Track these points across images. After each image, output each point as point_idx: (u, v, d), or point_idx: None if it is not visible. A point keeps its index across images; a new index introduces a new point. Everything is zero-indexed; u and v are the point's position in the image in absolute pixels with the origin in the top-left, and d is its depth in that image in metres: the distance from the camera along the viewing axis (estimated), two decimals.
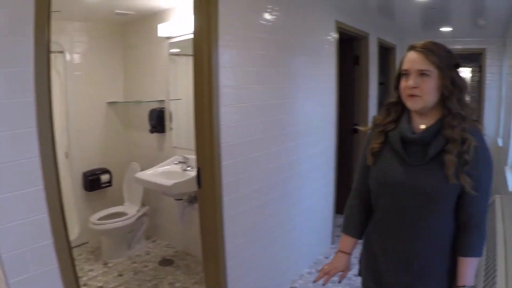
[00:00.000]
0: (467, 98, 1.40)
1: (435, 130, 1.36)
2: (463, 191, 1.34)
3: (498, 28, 4.88)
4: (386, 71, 5.79)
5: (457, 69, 1.38)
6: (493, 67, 5.82)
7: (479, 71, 6.13)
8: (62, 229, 1.65)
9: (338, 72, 3.77)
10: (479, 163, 1.33)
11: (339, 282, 1.68)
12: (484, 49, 5.86)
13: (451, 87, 1.33)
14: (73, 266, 1.72)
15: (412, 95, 1.36)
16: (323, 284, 1.62)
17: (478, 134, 1.36)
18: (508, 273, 2.17)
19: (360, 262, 1.69)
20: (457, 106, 1.33)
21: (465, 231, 1.39)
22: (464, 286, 1.35)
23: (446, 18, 4.48)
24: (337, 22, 3.68)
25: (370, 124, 1.61)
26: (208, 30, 2.18)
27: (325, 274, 1.60)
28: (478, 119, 6.04)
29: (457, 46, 5.91)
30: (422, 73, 1.33)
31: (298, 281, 3.27)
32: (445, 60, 1.34)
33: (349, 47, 4.51)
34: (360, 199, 1.64)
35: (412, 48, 1.39)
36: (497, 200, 3.70)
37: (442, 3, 3.58)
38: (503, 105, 5.19)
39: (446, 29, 5.13)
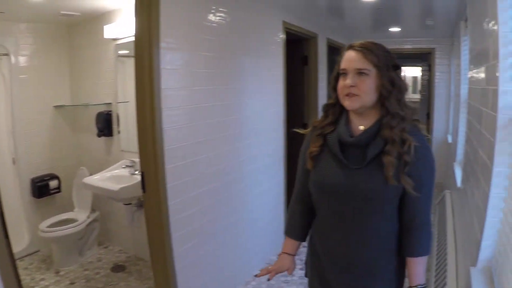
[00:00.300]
0: (407, 99, 1.39)
1: (374, 132, 1.35)
2: (405, 192, 1.32)
3: (446, 28, 5.04)
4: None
5: (396, 70, 1.36)
6: (442, 66, 6.01)
7: (428, 70, 6.33)
8: (2, 240, 1.58)
9: (286, 73, 3.79)
10: (420, 163, 1.31)
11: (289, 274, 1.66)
12: (433, 48, 6.05)
13: (390, 87, 1.31)
14: (17, 277, 1.65)
15: (350, 94, 1.33)
16: (268, 280, 1.61)
17: (418, 134, 1.35)
18: (458, 266, 2.24)
19: (306, 263, 1.68)
20: (396, 106, 1.32)
21: (410, 231, 1.39)
22: (417, 286, 1.35)
23: (395, 19, 4.59)
24: (285, 23, 3.71)
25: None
26: (149, 32, 2.15)
27: (268, 272, 1.58)
28: (429, 118, 6.22)
29: (406, 46, 6.09)
30: (360, 72, 1.32)
31: (251, 282, 3.28)
32: (383, 59, 1.32)
33: (298, 48, 4.56)
34: (301, 203, 1.62)
35: (350, 47, 1.37)
36: (447, 196, 3.82)
37: (389, 4, 3.65)
38: (452, 103, 5.37)
39: (395, 29, 5.26)
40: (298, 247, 1.65)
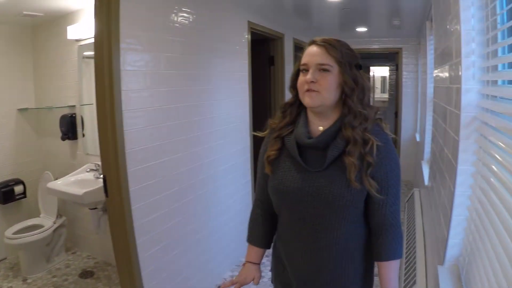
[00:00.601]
0: (376, 98, 1.35)
1: (334, 132, 1.28)
2: (369, 195, 1.27)
3: (412, 28, 5.10)
4: None
5: (360, 70, 1.31)
6: (409, 65, 6.11)
7: (396, 70, 6.41)
8: None
9: (252, 73, 3.77)
10: (384, 163, 1.26)
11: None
12: (400, 48, 6.13)
13: (353, 85, 1.25)
14: None
15: (310, 90, 1.26)
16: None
17: (382, 133, 1.29)
18: (427, 265, 2.24)
19: (272, 270, 1.60)
20: (359, 105, 1.26)
21: (379, 234, 1.33)
22: None
23: (361, 19, 4.61)
24: (250, 23, 3.68)
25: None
26: (109, 32, 2.07)
27: (232, 284, 1.46)
28: (397, 117, 6.30)
29: (374, 46, 6.16)
30: (322, 68, 1.25)
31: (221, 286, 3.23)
32: (346, 57, 1.26)
33: (264, 48, 4.56)
34: (262, 209, 1.54)
35: (312, 42, 1.31)
36: (416, 194, 3.86)
37: (355, 4, 3.66)
38: (419, 102, 5.45)
39: (362, 29, 5.29)
40: (262, 255, 1.56)
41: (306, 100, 1.28)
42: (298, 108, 1.38)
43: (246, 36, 3.64)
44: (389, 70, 8.10)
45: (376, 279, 1.42)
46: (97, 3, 2.08)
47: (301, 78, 1.30)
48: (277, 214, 1.46)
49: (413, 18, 4.36)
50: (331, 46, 1.26)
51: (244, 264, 1.55)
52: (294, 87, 1.36)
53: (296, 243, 1.38)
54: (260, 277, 1.53)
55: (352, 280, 1.37)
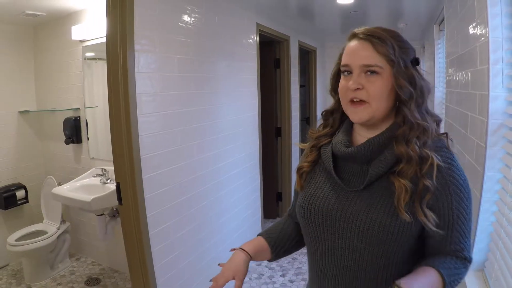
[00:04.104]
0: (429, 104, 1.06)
1: (381, 143, 1.01)
2: (425, 231, 0.97)
3: (417, 31, 5.11)
4: (307, 74, 5.94)
5: (415, 66, 1.02)
6: None
7: None
8: None
9: (260, 76, 3.75)
10: (448, 190, 0.95)
11: None
12: None
13: (409, 88, 0.98)
14: None
15: (355, 101, 1.00)
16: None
17: (446, 152, 0.98)
18: None
19: None
20: (416, 115, 0.98)
21: (441, 256, 0.99)
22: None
23: (366, 22, 4.59)
24: (258, 25, 3.67)
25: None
26: (123, 33, 2.02)
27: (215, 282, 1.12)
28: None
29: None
30: (368, 70, 0.98)
31: None
32: (399, 52, 0.98)
33: (270, 50, 4.55)
34: (290, 218, 1.32)
35: (354, 35, 1.02)
36: None
37: (362, 7, 3.65)
38: None
39: None
40: (260, 250, 1.21)
41: (351, 115, 1.03)
42: (341, 115, 1.14)
43: (255, 38, 3.62)
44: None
45: None
46: (110, 2, 2.04)
47: (343, 82, 1.03)
48: (306, 245, 1.19)
49: (418, 21, 4.37)
50: (379, 40, 0.97)
51: (233, 250, 1.20)
52: (335, 90, 1.09)
53: (323, 282, 1.09)
54: (245, 274, 1.13)
55: None
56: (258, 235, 1.27)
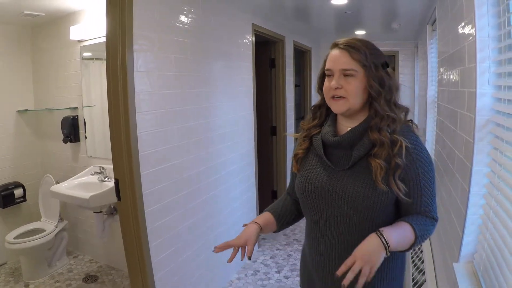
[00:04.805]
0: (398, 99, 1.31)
1: (360, 132, 1.26)
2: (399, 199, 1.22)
3: (410, 31, 5.17)
4: (302, 74, 5.99)
5: (386, 68, 1.27)
6: (406, 68, 6.22)
7: (393, 72, 6.53)
8: None
9: (255, 75, 3.80)
10: (415, 165, 1.21)
11: (242, 260, 1.39)
12: (397, 51, 6.24)
13: (378, 87, 1.23)
14: None
15: (335, 97, 1.26)
16: (214, 250, 1.36)
17: (411, 135, 1.25)
18: (435, 263, 2.30)
19: (300, 276, 1.59)
20: (385, 108, 1.23)
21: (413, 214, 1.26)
22: (382, 235, 1.12)
23: (360, 22, 4.68)
24: (254, 25, 3.72)
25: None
26: (122, 33, 2.07)
27: (228, 246, 1.36)
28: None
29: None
30: (346, 73, 1.23)
31: None
32: (371, 58, 1.23)
33: (266, 50, 4.60)
34: (289, 196, 1.57)
35: (335, 45, 1.28)
36: None
37: (356, 8, 3.71)
38: (417, 104, 5.54)
39: (360, 32, 5.36)
40: (269, 222, 1.47)
41: (333, 107, 1.29)
42: (327, 109, 1.38)
43: (250, 38, 3.68)
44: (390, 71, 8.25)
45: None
46: (109, 2, 2.08)
47: (326, 83, 1.29)
48: (304, 216, 1.46)
49: (411, 21, 4.43)
50: (354, 49, 1.23)
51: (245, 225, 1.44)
52: (321, 89, 1.34)
53: (320, 246, 1.35)
54: (255, 242, 1.37)
55: (378, 284, 1.30)
56: (264, 211, 1.53)
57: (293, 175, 1.49)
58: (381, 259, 1.09)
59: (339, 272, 1.09)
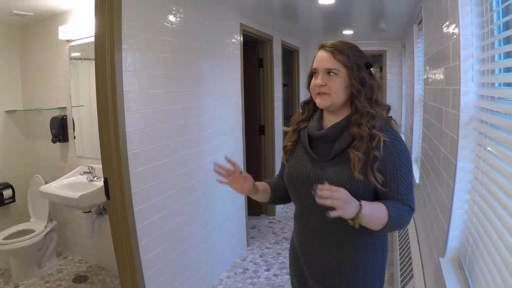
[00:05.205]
0: (380, 97, 1.42)
1: (341, 127, 1.38)
2: (378, 189, 1.33)
3: (398, 30, 5.22)
4: (290, 73, 6.01)
5: (368, 69, 1.40)
6: (393, 67, 6.28)
7: (380, 72, 6.58)
8: None
9: (243, 75, 3.82)
10: (392, 158, 1.31)
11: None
12: (385, 51, 6.30)
13: (359, 86, 1.34)
14: None
15: (320, 93, 1.38)
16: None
17: (390, 131, 1.36)
18: (422, 259, 2.33)
19: (289, 261, 1.71)
20: (365, 105, 1.34)
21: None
22: (361, 205, 1.22)
23: (348, 22, 4.72)
24: (242, 25, 3.74)
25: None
26: (111, 33, 2.08)
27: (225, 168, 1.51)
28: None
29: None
30: (330, 72, 1.35)
31: (218, 286, 3.26)
32: (354, 59, 1.35)
33: (254, 50, 4.63)
34: (279, 178, 1.67)
35: (322, 47, 1.41)
36: None
37: (343, 7, 3.74)
38: (404, 102, 5.59)
39: (348, 32, 5.40)
40: (264, 188, 1.60)
41: (318, 102, 1.42)
42: (314, 105, 1.50)
43: (239, 38, 3.69)
44: (374, 72, 8.31)
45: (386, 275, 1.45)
46: (98, 2, 2.08)
47: (313, 81, 1.42)
48: (293, 202, 1.59)
49: (398, 21, 4.48)
50: (338, 50, 1.35)
51: None
52: (309, 87, 1.47)
53: (306, 231, 1.49)
54: (249, 186, 1.49)
55: (361, 271, 1.41)
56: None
57: (283, 165, 1.62)
58: (349, 213, 1.20)
59: (320, 187, 1.18)
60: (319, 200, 1.16)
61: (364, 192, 1.33)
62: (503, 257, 1.17)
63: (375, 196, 1.37)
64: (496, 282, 1.19)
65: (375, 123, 1.34)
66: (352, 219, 1.23)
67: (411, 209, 1.35)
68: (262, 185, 1.60)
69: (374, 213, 1.26)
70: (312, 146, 1.45)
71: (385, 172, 1.31)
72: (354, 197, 1.25)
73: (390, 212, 1.27)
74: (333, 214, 1.15)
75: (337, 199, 1.16)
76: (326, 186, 1.18)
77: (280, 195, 1.63)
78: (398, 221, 1.30)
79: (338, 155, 1.37)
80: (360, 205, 1.22)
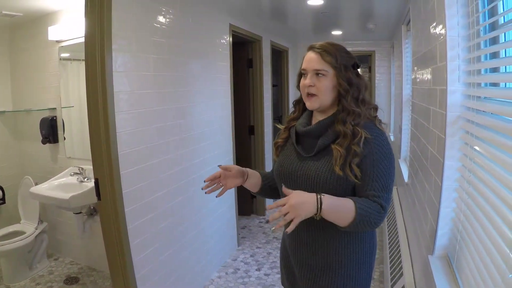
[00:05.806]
0: (367, 96, 1.46)
1: (326, 124, 1.42)
2: (357, 185, 1.34)
3: (386, 31, 5.25)
4: (279, 74, 6.04)
5: (356, 69, 1.44)
6: (382, 67, 6.33)
7: (368, 72, 6.63)
8: None
9: (233, 75, 3.84)
10: (372, 154, 1.33)
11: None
12: (373, 51, 6.34)
13: (346, 86, 1.38)
14: None
15: (309, 95, 1.43)
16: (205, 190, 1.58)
17: (374, 129, 1.39)
18: (412, 257, 2.36)
19: (280, 256, 1.75)
20: (352, 104, 1.38)
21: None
22: (320, 197, 1.23)
23: (337, 22, 4.74)
24: (231, 26, 3.76)
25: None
26: (101, 33, 2.08)
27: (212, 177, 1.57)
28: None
29: (347, 49, 6.36)
30: (318, 73, 1.39)
31: (209, 286, 3.27)
32: (341, 60, 1.39)
33: (243, 51, 4.64)
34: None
35: (310, 48, 1.45)
36: (394, 191, 4.02)
37: (332, 8, 3.76)
38: (393, 102, 5.64)
39: (336, 32, 5.43)
40: (255, 175, 1.64)
41: (307, 103, 1.47)
42: (304, 104, 1.52)
43: (228, 39, 3.70)
44: (362, 72, 8.35)
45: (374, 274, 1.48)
46: (88, 2, 2.08)
47: (302, 81, 1.47)
48: (281, 196, 1.51)
49: (387, 22, 4.51)
50: (327, 52, 1.39)
51: None
52: (299, 87, 1.52)
53: (294, 228, 1.44)
54: (236, 170, 1.56)
55: (348, 269, 1.44)
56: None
57: (274, 161, 1.65)
58: (307, 214, 1.22)
59: (270, 207, 1.26)
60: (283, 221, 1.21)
61: (344, 187, 1.35)
62: (490, 254, 1.20)
63: (356, 193, 1.38)
64: (484, 278, 1.22)
65: (359, 121, 1.38)
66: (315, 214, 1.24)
67: (382, 208, 1.31)
68: (252, 172, 1.64)
69: (338, 207, 1.26)
70: (300, 142, 1.50)
71: (363, 167, 1.34)
72: (333, 193, 1.30)
73: (358, 209, 1.26)
74: (290, 228, 1.19)
75: (285, 213, 1.19)
76: (279, 201, 1.22)
77: (271, 184, 1.66)
78: (366, 218, 1.27)
79: (321, 151, 1.41)
80: (319, 203, 1.22)
